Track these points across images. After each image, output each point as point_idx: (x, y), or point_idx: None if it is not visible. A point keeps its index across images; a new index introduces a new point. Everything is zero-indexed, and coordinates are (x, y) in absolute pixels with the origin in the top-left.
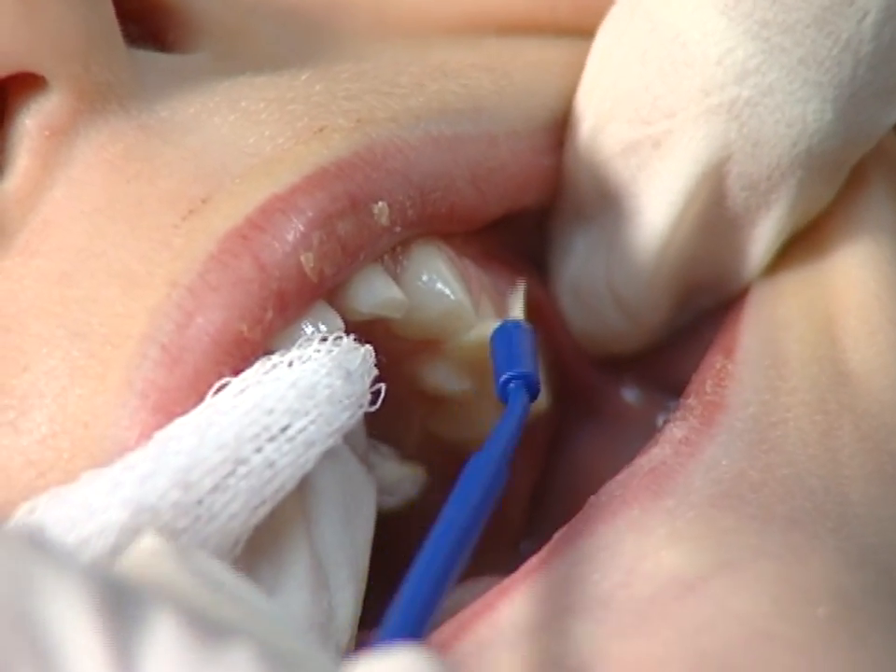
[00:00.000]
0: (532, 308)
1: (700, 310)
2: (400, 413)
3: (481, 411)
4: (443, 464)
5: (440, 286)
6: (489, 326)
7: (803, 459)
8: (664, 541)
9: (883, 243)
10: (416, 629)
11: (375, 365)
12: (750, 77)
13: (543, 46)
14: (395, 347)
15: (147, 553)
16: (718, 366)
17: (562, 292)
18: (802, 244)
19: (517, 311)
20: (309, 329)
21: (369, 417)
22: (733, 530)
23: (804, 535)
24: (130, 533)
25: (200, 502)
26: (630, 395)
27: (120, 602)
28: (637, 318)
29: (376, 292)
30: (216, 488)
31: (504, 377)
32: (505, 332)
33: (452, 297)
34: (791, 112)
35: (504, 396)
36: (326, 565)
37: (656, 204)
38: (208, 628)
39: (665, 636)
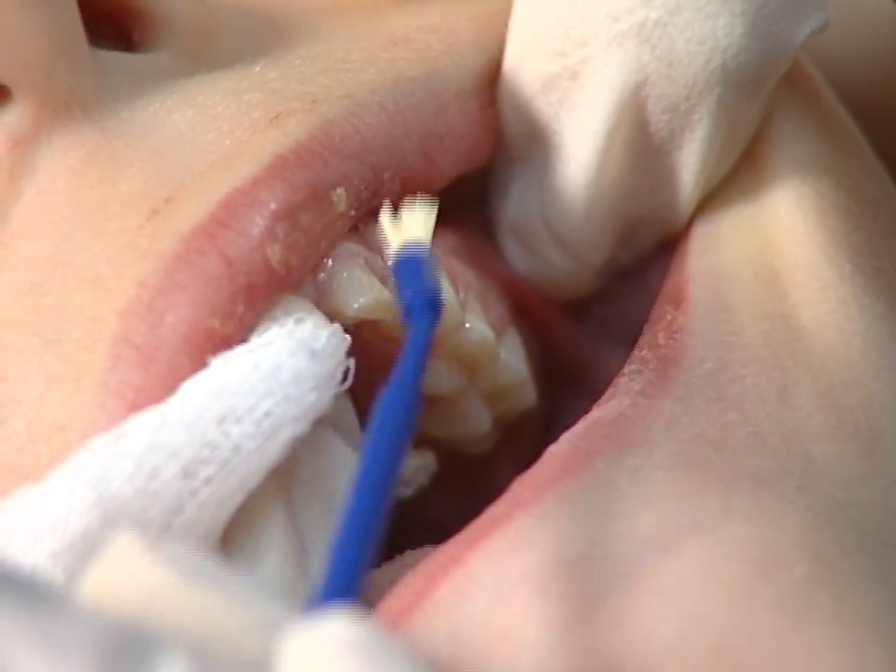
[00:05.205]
0: (517, 299)
1: (643, 247)
2: None
3: (469, 407)
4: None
5: None
6: (477, 324)
7: (762, 417)
8: (634, 503)
9: (821, 186)
10: (351, 583)
11: (366, 368)
12: None
13: None
14: (385, 349)
15: (119, 549)
16: (669, 317)
17: (504, 237)
18: (738, 183)
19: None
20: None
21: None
22: (700, 492)
23: (772, 495)
24: (97, 520)
25: (165, 487)
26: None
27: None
28: (579, 257)
29: (363, 294)
30: (181, 473)
31: (407, 299)
32: (407, 257)
33: None
34: (701, 29)
35: (408, 318)
36: (310, 552)
37: (580, 136)
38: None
39: (650, 599)
